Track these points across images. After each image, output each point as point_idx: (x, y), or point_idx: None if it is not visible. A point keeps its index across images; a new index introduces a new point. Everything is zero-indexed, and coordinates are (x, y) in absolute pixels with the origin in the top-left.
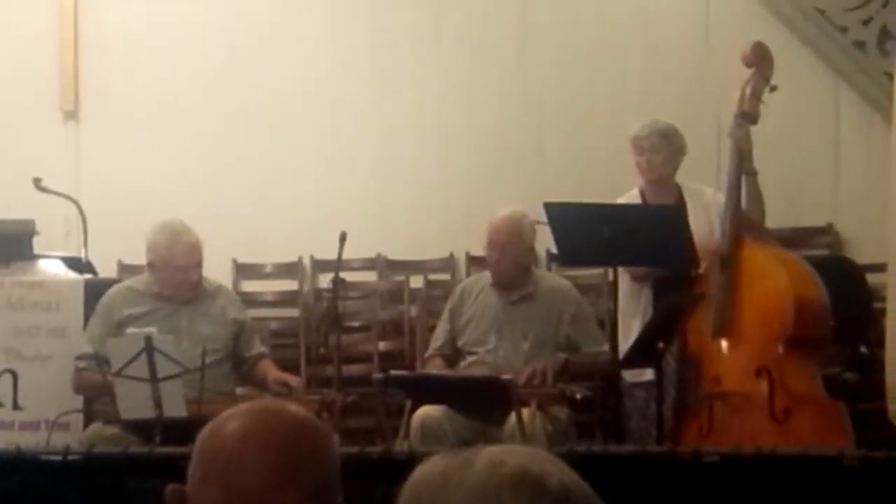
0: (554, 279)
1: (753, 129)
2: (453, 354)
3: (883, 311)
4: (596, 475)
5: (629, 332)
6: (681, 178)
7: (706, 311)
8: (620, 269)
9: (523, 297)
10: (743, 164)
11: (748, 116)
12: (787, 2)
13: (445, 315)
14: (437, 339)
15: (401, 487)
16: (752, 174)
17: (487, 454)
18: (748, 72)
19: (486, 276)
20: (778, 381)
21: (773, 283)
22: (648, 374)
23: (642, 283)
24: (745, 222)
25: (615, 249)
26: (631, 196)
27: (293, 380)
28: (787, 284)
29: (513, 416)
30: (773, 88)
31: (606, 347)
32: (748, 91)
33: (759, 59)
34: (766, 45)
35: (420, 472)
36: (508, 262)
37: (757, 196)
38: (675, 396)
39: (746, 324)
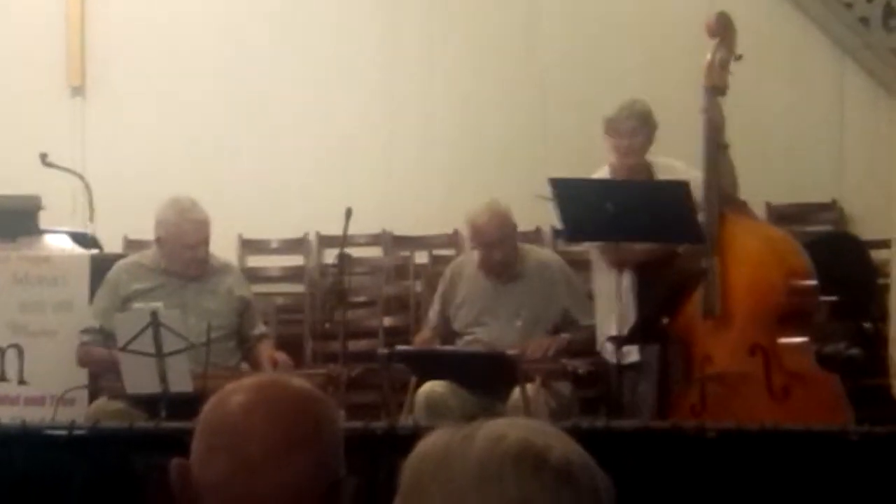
0: (540, 253)
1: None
2: (446, 336)
3: (887, 287)
4: (599, 450)
5: (609, 317)
6: (662, 153)
7: (696, 290)
8: (595, 255)
9: (512, 275)
10: (716, 138)
11: (717, 89)
12: None
13: (437, 298)
14: (431, 321)
15: (404, 462)
16: (725, 148)
17: (489, 428)
18: (712, 43)
19: (473, 257)
20: (773, 358)
21: (760, 260)
22: (634, 356)
23: (620, 269)
24: (723, 197)
25: (620, 225)
26: (602, 174)
27: (283, 359)
28: (775, 260)
29: (517, 391)
30: (739, 57)
31: (595, 320)
32: (715, 62)
33: (723, 29)
34: (728, 15)
35: (422, 446)
36: (502, 256)
37: (730, 169)
38: (659, 377)
39: (737, 302)
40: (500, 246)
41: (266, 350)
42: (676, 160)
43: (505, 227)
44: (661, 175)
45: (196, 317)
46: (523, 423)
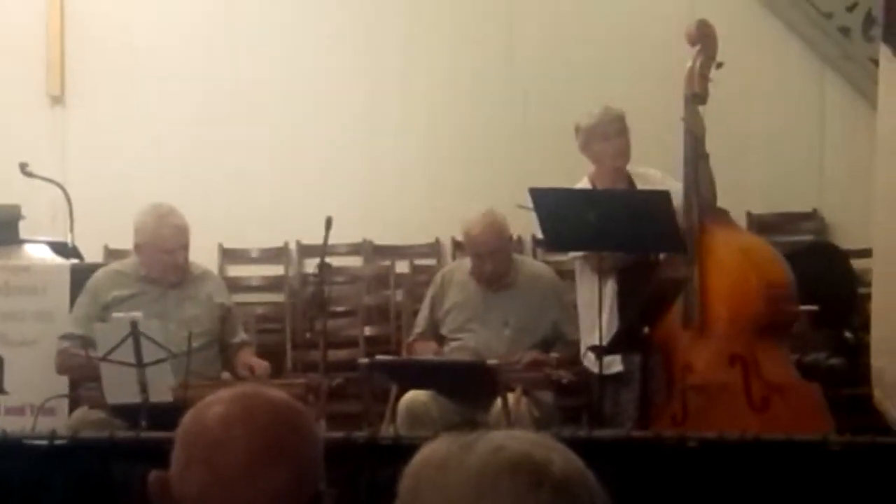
0: (534, 265)
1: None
2: (434, 341)
3: (868, 297)
4: (581, 459)
5: (593, 326)
6: (643, 163)
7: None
8: (579, 262)
9: (504, 284)
10: (697, 147)
11: (698, 97)
12: None
13: (426, 302)
14: (419, 325)
15: (394, 470)
16: (704, 157)
17: (490, 438)
18: (693, 51)
19: (466, 264)
20: (753, 368)
21: (739, 270)
22: (617, 366)
23: (606, 275)
24: (704, 207)
25: (602, 235)
26: (582, 185)
27: (259, 365)
28: (753, 270)
29: (499, 401)
30: (720, 65)
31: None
32: (696, 71)
33: (704, 37)
34: (709, 23)
35: (423, 454)
36: (497, 265)
37: (709, 179)
38: (640, 385)
39: (716, 312)
40: (492, 257)
41: (244, 357)
42: (653, 169)
43: (499, 239)
44: (640, 184)
45: (176, 324)
46: (526, 436)
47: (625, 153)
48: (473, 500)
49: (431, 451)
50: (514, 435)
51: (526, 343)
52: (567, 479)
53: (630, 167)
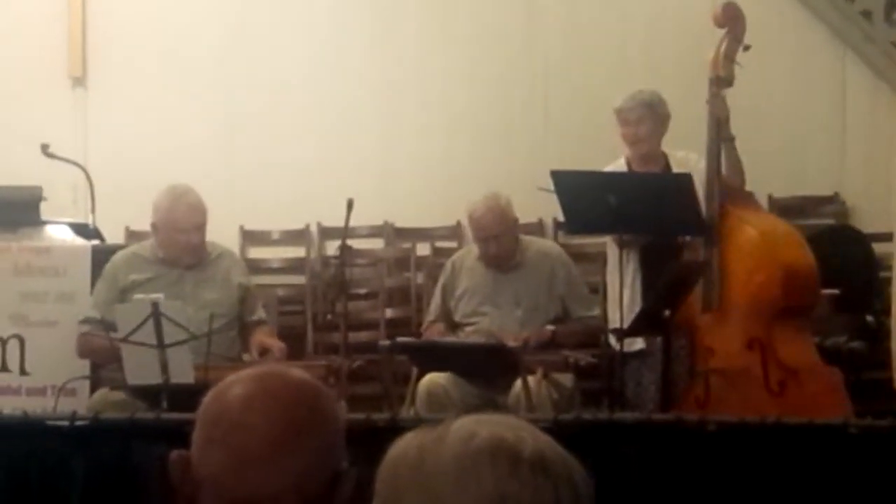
0: (541, 243)
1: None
2: (448, 326)
3: (889, 280)
4: (601, 442)
5: (618, 302)
6: (668, 145)
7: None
8: (608, 240)
9: (512, 265)
10: (720, 130)
11: (723, 80)
12: None
13: (438, 290)
14: (431, 313)
15: (378, 470)
16: (730, 140)
17: (458, 428)
18: (720, 33)
19: (474, 249)
20: (770, 353)
21: (759, 253)
22: (639, 343)
23: (628, 248)
24: (727, 190)
25: (622, 217)
26: (617, 165)
27: (275, 346)
28: (774, 255)
29: (518, 383)
30: (747, 48)
31: (597, 311)
32: (721, 53)
33: (731, 20)
34: (737, 5)
35: (395, 451)
36: (502, 249)
37: (736, 162)
38: (663, 368)
39: (736, 296)
40: (496, 240)
41: (259, 336)
42: (693, 153)
43: (503, 223)
44: (675, 167)
45: (195, 307)
46: (491, 420)
47: (641, 141)
48: (456, 491)
49: (402, 449)
50: (479, 420)
51: (539, 321)
52: (543, 455)
53: (670, 150)
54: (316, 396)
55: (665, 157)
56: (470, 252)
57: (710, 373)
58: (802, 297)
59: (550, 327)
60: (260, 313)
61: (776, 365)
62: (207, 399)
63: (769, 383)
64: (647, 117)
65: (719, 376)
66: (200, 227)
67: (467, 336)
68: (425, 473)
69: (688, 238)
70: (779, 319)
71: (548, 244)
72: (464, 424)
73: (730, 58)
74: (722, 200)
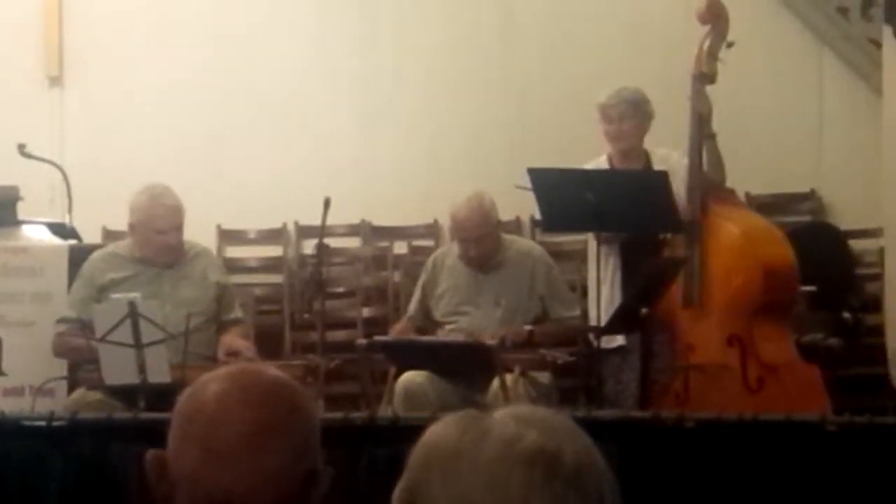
0: (522, 243)
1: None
2: (425, 326)
3: (865, 277)
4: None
5: (598, 299)
6: (650, 143)
7: (677, 278)
8: (588, 236)
9: (493, 265)
10: (703, 127)
11: (706, 77)
12: None
13: (418, 288)
14: (410, 310)
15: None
16: (712, 137)
17: (503, 426)
18: (704, 30)
19: (455, 247)
20: (750, 349)
21: (740, 250)
22: (619, 340)
23: (609, 244)
24: (708, 186)
25: (599, 215)
26: (599, 163)
27: (243, 347)
28: (755, 251)
29: (496, 382)
30: (730, 45)
31: (577, 312)
32: (705, 50)
33: (715, 17)
34: (721, 2)
35: (435, 436)
36: (483, 250)
37: (717, 158)
38: (642, 364)
39: (715, 292)
40: (477, 242)
41: (227, 338)
42: (675, 151)
43: (485, 225)
44: (657, 164)
45: (173, 305)
46: (536, 418)
47: (622, 137)
48: (485, 491)
49: (441, 436)
50: (529, 420)
51: (519, 322)
52: (578, 469)
53: (651, 148)
54: (292, 395)
55: (647, 154)
56: (451, 250)
57: (689, 369)
58: (782, 294)
59: (528, 327)
60: (237, 312)
61: (756, 362)
62: (183, 397)
63: (748, 380)
64: (630, 115)
65: (699, 373)
66: (178, 228)
67: (446, 335)
68: (458, 470)
69: (669, 235)
70: (759, 316)
71: (529, 244)
72: (509, 424)
73: (713, 55)
74: (704, 197)
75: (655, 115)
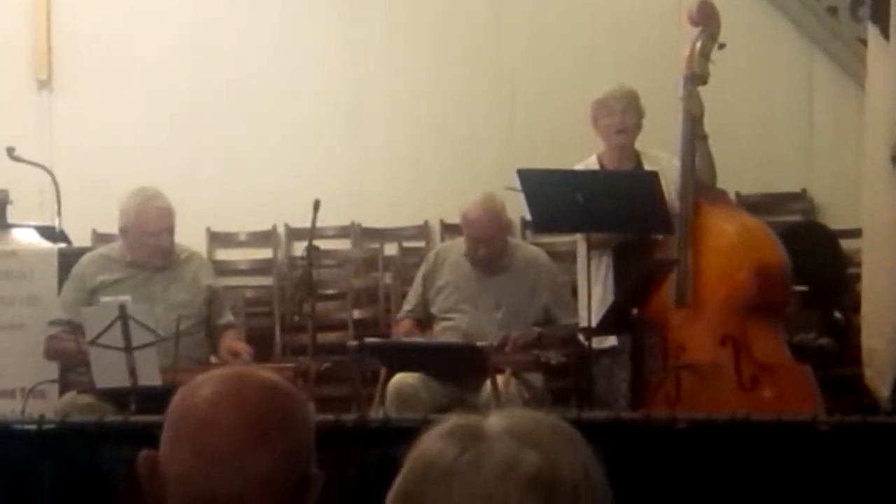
0: (529, 250)
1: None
2: (425, 318)
3: (856, 277)
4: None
5: (589, 299)
6: (640, 144)
7: (668, 278)
8: (578, 237)
9: (499, 268)
10: (695, 128)
11: (697, 77)
12: None
13: (418, 279)
14: (409, 302)
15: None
16: (703, 138)
17: (504, 449)
18: (689, 32)
19: (460, 244)
20: (743, 349)
21: (733, 251)
22: (611, 341)
23: (601, 249)
24: (700, 187)
25: (589, 216)
26: (589, 163)
27: (243, 349)
28: (748, 252)
29: (488, 384)
30: (722, 46)
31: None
32: (696, 51)
33: (706, 18)
34: (713, 3)
35: (430, 453)
36: (491, 250)
37: (708, 159)
38: (633, 365)
39: (708, 292)
40: (487, 243)
41: (227, 340)
42: (664, 152)
43: (496, 227)
44: (648, 165)
45: (163, 308)
46: (537, 436)
47: (628, 130)
48: None
49: (440, 452)
50: (525, 434)
51: (518, 327)
52: (575, 489)
53: (642, 148)
54: (287, 398)
55: (638, 155)
56: (456, 246)
57: (681, 369)
58: (775, 294)
59: (537, 329)
60: (228, 316)
61: (749, 361)
62: (177, 398)
63: (741, 380)
64: (632, 109)
65: (691, 373)
66: (170, 230)
67: (440, 333)
68: (453, 489)
69: (660, 236)
70: (752, 316)
71: (535, 251)
72: (507, 443)
73: (705, 56)
74: (696, 198)
75: (646, 116)
